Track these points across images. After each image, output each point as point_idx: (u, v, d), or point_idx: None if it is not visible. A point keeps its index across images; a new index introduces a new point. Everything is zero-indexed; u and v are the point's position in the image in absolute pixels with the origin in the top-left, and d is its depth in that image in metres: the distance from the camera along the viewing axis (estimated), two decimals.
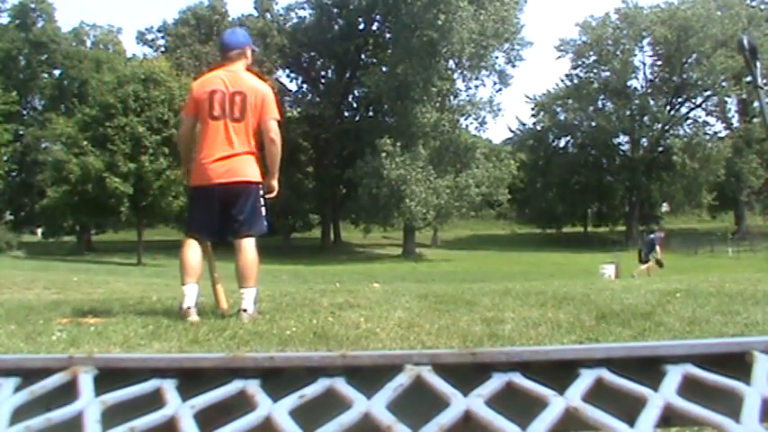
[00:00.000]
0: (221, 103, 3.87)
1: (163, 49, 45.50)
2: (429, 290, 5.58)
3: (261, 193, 3.98)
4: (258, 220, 3.97)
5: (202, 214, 3.98)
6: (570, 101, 50.64)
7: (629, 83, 48.60)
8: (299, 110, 46.67)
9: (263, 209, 4.00)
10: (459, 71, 40.57)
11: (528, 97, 56.84)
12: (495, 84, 41.93)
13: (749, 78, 3.16)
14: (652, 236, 19.40)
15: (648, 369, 0.47)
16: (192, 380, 0.48)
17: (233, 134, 3.87)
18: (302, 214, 45.90)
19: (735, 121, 50.02)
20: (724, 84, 44.70)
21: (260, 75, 4.72)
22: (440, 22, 35.80)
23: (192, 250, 3.92)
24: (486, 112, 40.99)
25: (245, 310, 3.78)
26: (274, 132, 3.95)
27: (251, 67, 4.17)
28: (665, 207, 47.97)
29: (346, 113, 46.79)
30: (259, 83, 4.06)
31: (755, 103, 36.69)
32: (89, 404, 0.45)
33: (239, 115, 3.88)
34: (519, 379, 0.47)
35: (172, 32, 45.60)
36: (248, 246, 3.89)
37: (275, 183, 4.10)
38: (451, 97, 40.11)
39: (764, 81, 3.08)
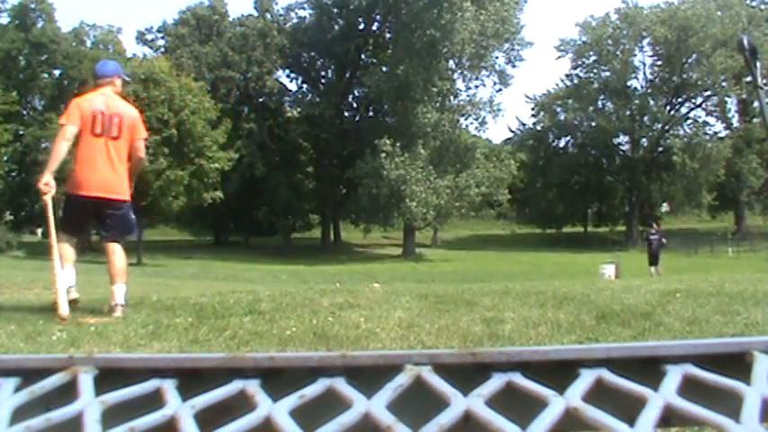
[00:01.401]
0: (102, 122, 4.36)
1: (163, 49, 45.44)
2: (429, 290, 5.57)
3: (130, 206, 4.60)
4: (127, 229, 4.64)
5: (77, 219, 4.56)
6: (570, 101, 50.63)
7: (629, 83, 48.58)
8: (299, 110, 46.64)
9: (132, 217, 4.69)
10: (459, 71, 40.57)
11: (528, 97, 56.88)
12: (495, 84, 41.99)
13: (749, 78, 3.16)
14: (657, 235, 19.35)
15: (648, 369, 0.47)
16: (192, 380, 0.48)
17: (113, 152, 4.39)
18: (302, 214, 45.89)
19: (735, 121, 49.97)
20: (724, 84, 44.66)
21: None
22: (443, 22, 35.80)
23: (67, 245, 4.43)
24: (486, 112, 41.00)
25: (120, 305, 4.25)
26: (143, 151, 4.67)
27: (122, 93, 4.75)
28: (665, 207, 47.94)
29: (346, 113, 46.75)
30: (130, 107, 4.66)
31: (755, 103, 36.66)
32: (89, 404, 0.45)
33: (117, 134, 4.40)
34: (519, 379, 0.47)
35: (172, 33, 45.55)
36: (118, 249, 4.49)
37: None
38: (452, 97, 40.07)
39: (764, 81, 3.08)
